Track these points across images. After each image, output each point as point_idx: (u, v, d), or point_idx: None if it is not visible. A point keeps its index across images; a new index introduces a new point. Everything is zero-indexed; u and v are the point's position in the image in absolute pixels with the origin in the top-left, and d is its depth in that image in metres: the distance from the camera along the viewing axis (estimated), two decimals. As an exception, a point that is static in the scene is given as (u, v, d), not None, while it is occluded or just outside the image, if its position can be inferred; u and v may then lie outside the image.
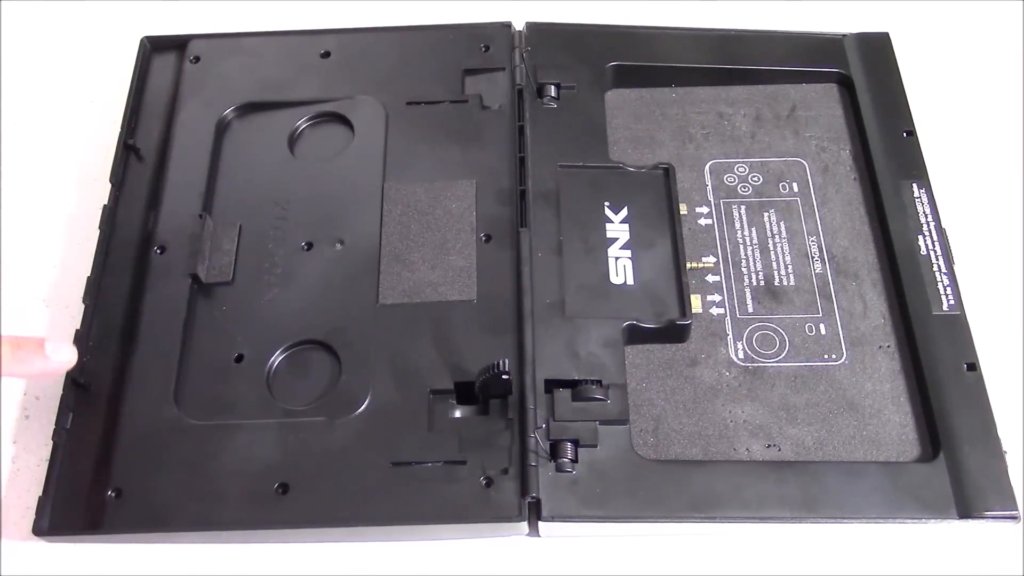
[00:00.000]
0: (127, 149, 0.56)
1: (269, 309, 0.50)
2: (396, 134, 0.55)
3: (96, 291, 0.51)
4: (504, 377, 0.45)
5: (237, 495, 0.45)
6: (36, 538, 0.45)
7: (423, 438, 0.46)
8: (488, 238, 0.52)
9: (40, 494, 0.45)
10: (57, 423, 0.47)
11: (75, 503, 0.45)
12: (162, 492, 0.45)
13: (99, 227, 0.53)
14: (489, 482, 0.44)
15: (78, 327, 0.50)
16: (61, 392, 0.48)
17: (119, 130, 0.56)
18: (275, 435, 0.47)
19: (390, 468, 0.45)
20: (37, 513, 0.45)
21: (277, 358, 0.49)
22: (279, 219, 0.53)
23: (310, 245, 0.52)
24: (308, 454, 0.46)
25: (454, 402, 0.47)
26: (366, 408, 0.47)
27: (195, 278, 0.51)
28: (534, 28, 0.58)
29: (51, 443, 0.47)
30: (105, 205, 0.53)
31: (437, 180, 0.54)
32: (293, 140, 0.56)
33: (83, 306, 0.50)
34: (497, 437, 0.46)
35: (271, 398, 0.48)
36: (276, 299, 0.51)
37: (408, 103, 0.57)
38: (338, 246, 0.52)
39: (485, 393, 0.46)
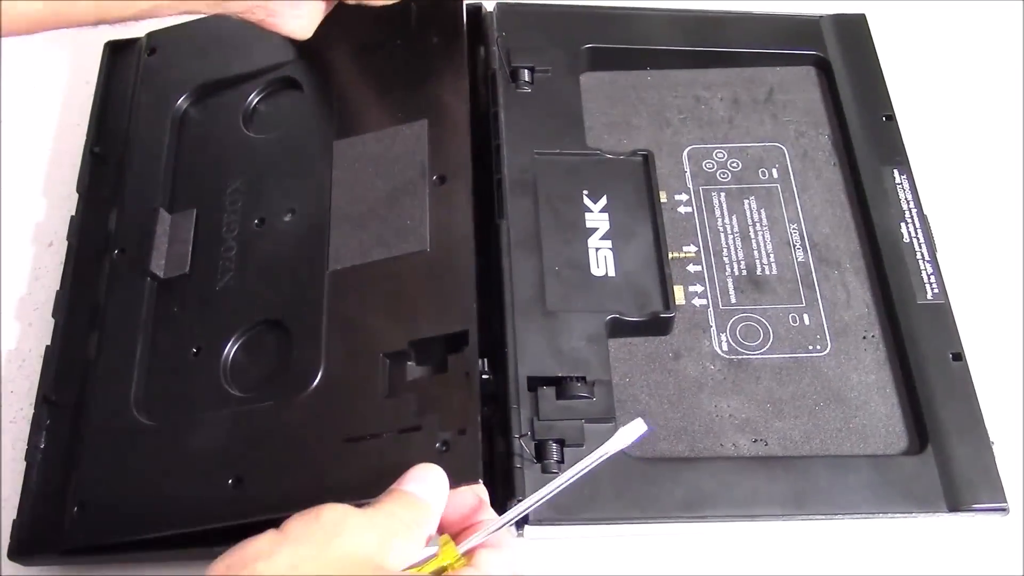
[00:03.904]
0: (93, 156, 0.53)
1: (224, 295, 0.48)
2: (345, 86, 0.52)
3: (66, 305, 0.48)
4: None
5: (191, 495, 0.43)
6: (14, 563, 0.43)
7: (378, 407, 0.43)
8: (442, 179, 0.48)
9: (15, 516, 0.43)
10: (30, 443, 0.45)
11: (48, 524, 0.43)
12: (122, 501, 0.43)
13: (67, 239, 0.51)
14: (446, 446, 0.41)
15: (48, 343, 0.48)
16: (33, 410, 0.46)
17: (84, 137, 0.53)
18: (228, 427, 0.44)
19: (343, 445, 0.42)
20: (12, 536, 0.43)
21: (233, 346, 0.47)
22: (234, 200, 0.51)
23: (262, 221, 0.50)
24: (260, 442, 0.43)
25: (410, 363, 0.44)
26: (318, 384, 0.44)
27: (153, 275, 0.48)
28: (506, 9, 0.56)
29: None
30: (72, 216, 0.51)
31: (388, 126, 0.50)
32: (247, 117, 0.54)
33: (53, 321, 0.48)
34: (454, 395, 0.42)
35: (227, 389, 0.46)
36: (231, 283, 0.48)
37: (356, 51, 0.53)
38: (289, 216, 0.49)
39: (442, 349, 0.44)
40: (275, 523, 0.41)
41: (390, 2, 0.46)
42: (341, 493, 0.41)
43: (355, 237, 0.47)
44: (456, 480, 0.40)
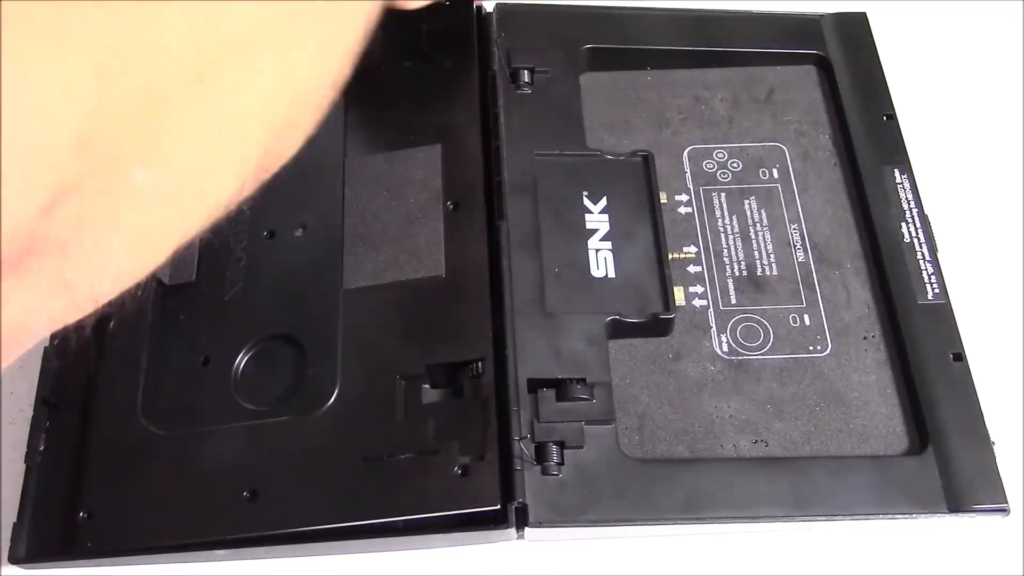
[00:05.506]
0: None
1: (234, 306, 0.48)
2: (356, 105, 0.52)
3: None
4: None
5: (205, 506, 0.43)
6: (14, 567, 0.43)
7: (395, 429, 0.43)
8: (456, 206, 0.49)
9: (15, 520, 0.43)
10: (29, 445, 0.45)
11: (50, 528, 0.43)
12: (132, 509, 0.43)
13: None
14: (464, 471, 0.42)
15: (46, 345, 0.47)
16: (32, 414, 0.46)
17: None
18: (242, 439, 0.44)
19: (362, 464, 0.43)
20: (12, 540, 0.43)
21: (243, 357, 0.47)
22: (241, 209, 0.51)
23: (272, 233, 0.50)
24: (276, 456, 0.43)
25: (426, 386, 0.45)
26: (334, 402, 0.44)
27: (158, 281, 0.48)
28: (505, 9, 0.56)
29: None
30: None
31: (400, 148, 0.50)
32: None
33: None
34: (472, 421, 0.43)
35: (238, 400, 0.46)
36: (240, 294, 0.48)
37: (365, 70, 0.54)
38: (300, 232, 0.49)
39: (459, 375, 0.45)
40: (291, 537, 0.42)
41: (419, 5, 0.46)
42: (360, 510, 0.42)
43: (369, 258, 0.48)
44: (475, 504, 0.41)
